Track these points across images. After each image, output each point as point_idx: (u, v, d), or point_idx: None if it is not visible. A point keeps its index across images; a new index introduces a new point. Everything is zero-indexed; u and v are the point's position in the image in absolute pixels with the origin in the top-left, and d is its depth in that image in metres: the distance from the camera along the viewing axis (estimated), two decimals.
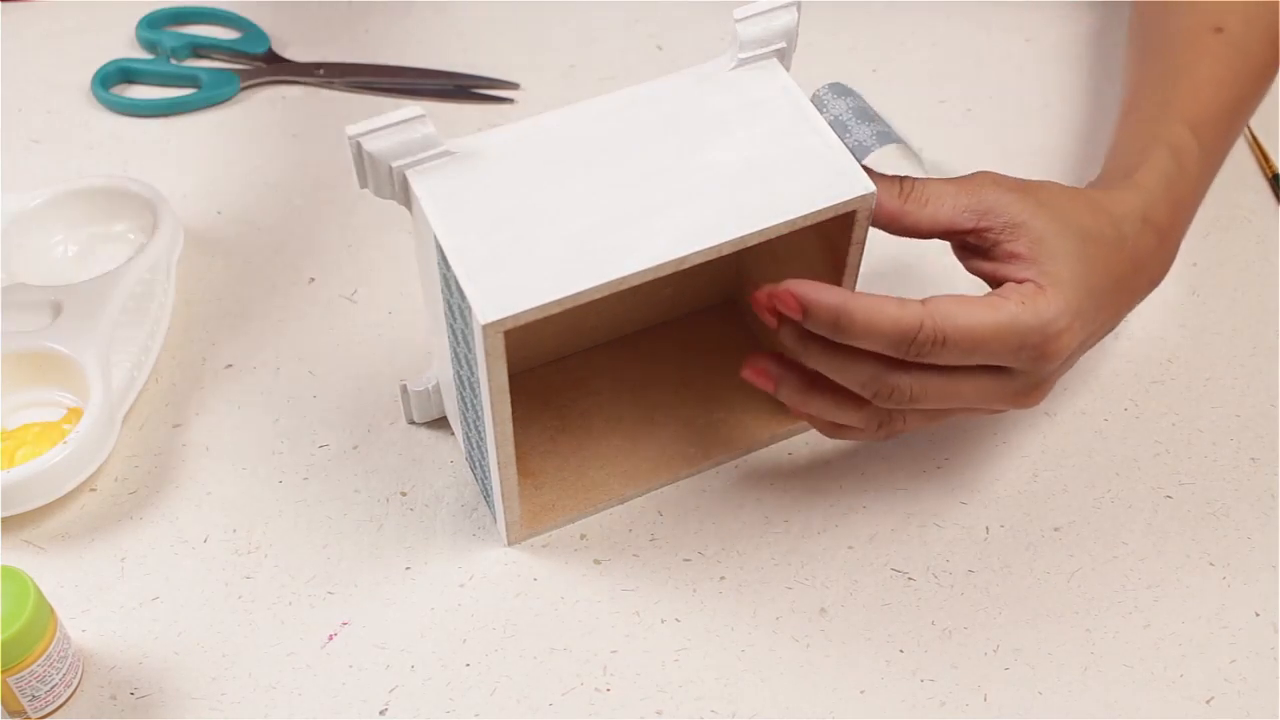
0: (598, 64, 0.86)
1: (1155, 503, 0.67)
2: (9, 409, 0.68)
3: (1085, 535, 0.65)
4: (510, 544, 0.65)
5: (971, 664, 0.61)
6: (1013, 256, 0.58)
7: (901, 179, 0.58)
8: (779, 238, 0.56)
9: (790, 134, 0.58)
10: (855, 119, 0.58)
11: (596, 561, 0.64)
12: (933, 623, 0.62)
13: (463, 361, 0.58)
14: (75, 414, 0.67)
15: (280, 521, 0.65)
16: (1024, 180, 0.60)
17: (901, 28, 0.88)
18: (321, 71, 0.85)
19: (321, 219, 0.78)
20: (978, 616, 0.63)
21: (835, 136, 0.58)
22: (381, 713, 0.60)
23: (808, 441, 0.68)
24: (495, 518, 0.65)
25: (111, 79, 0.83)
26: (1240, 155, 0.81)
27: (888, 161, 0.72)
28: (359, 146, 0.55)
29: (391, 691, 0.60)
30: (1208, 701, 0.60)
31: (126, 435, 0.68)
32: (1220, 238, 0.77)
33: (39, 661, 0.57)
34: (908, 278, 0.73)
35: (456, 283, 0.54)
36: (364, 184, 0.57)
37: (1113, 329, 0.63)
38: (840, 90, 0.59)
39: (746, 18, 0.59)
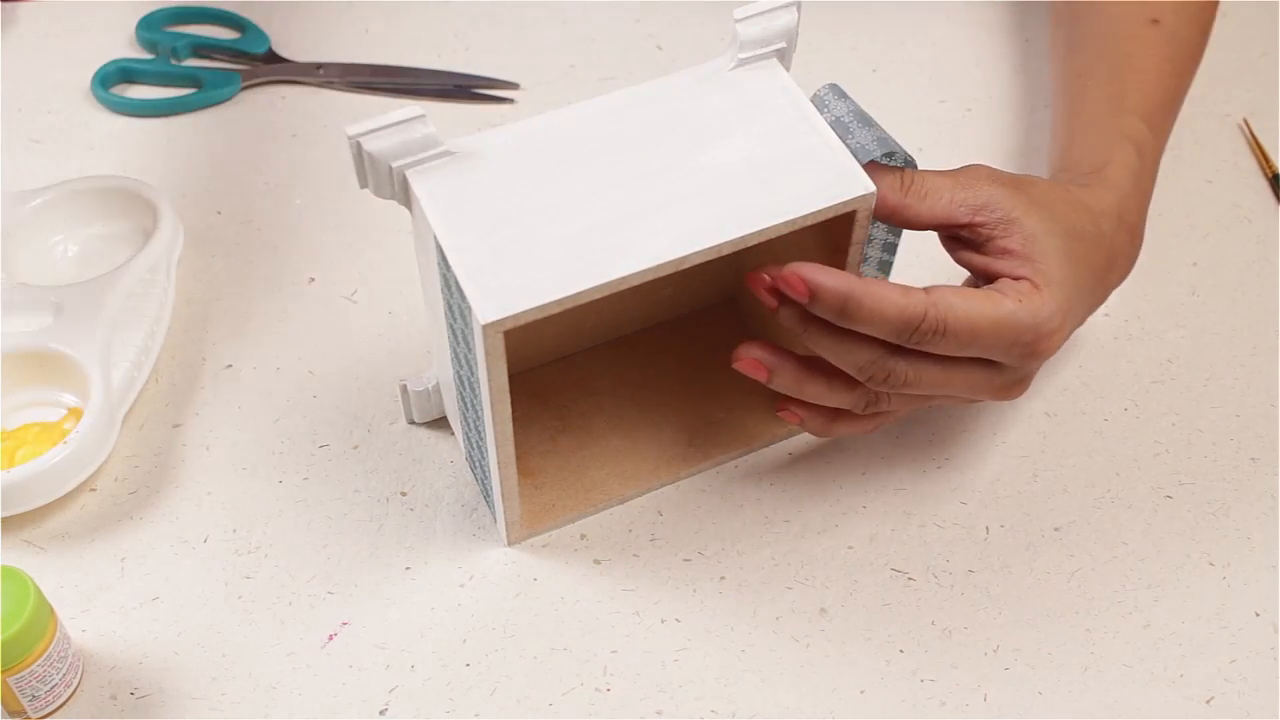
0: (598, 64, 0.86)
1: (1155, 503, 0.67)
2: (9, 409, 0.68)
3: (1085, 535, 0.65)
4: (510, 544, 0.65)
5: (971, 664, 0.61)
6: (1005, 252, 0.58)
7: (902, 172, 0.58)
8: (779, 238, 0.56)
9: (790, 134, 0.58)
10: (856, 122, 0.58)
11: (596, 561, 0.64)
12: (933, 623, 0.63)
13: (463, 361, 0.58)
14: (75, 414, 0.67)
15: (280, 521, 0.65)
16: (1016, 176, 0.61)
17: (901, 28, 0.88)
18: (321, 71, 0.85)
19: (321, 219, 0.78)
20: (978, 616, 0.63)
21: (835, 136, 0.58)
22: (381, 713, 0.60)
23: (808, 442, 0.68)
24: (495, 518, 0.65)
25: (111, 79, 0.83)
26: (1240, 155, 0.81)
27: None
28: (359, 146, 0.55)
29: (391, 691, 0.60)
30: (1208, 701, 0.60)
31: (126, 435, 0.68)
32: (1220, 238, 0.77)
33: (39, 661, 0.57)
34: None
35: (456, 283, 0.54)
36: (364, 184, 0.57)
37: (1084, 323, 0.63)
38: (840, 92, 0.59)
39: (746, 18, 0.59)
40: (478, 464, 0.64)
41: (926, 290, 0.56)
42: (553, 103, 0.83)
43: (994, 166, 0.61)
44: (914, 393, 0.59)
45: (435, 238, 0.55)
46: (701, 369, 0.70)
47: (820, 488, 0.67)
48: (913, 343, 0.56)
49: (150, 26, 0.86)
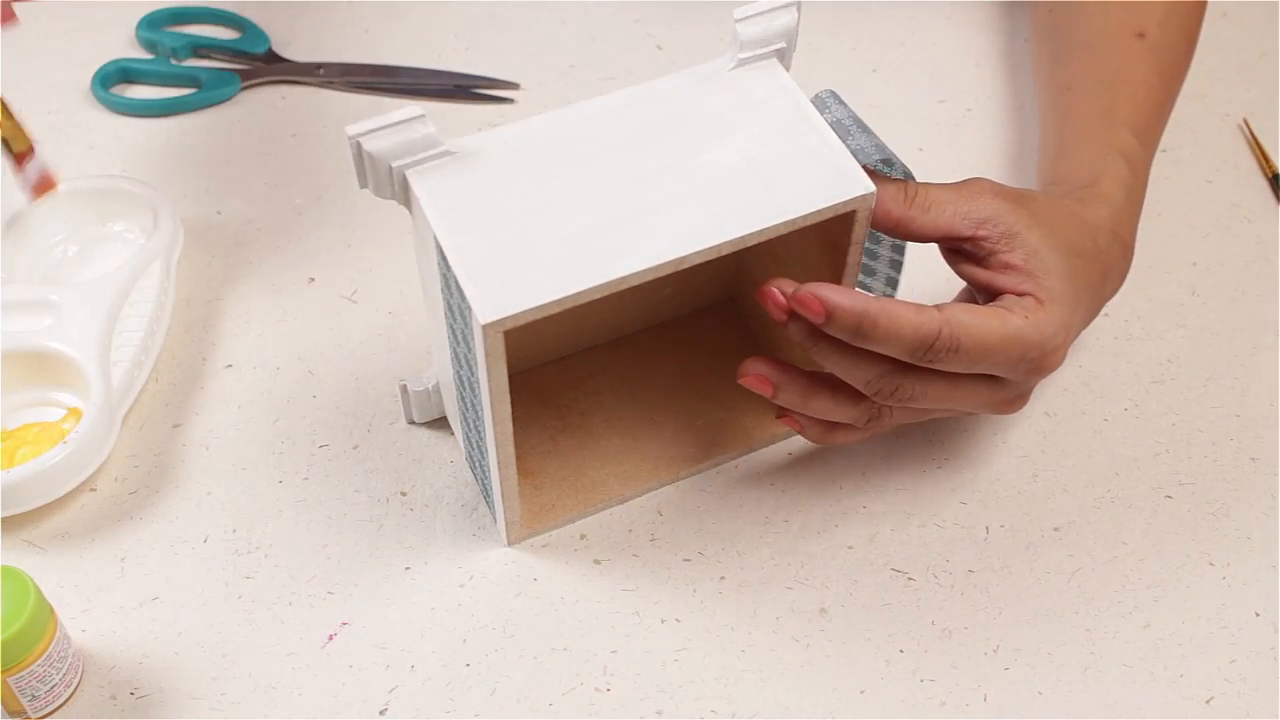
0: (598, 64, 0.86)
1: (1155, 503, 0.67)
2: (9, 409, 0.68)
3: (1085, 535, 0.65)
4: (510, 544, 0.65)
5: (971, 664, 0.61)
6: (1008, 267, 0.59)
7: (905, 183, 0.58)
8: (779, 238, 0.56)
9: (790, 134, 0.58)
10: (856, 127, 0.58)
11: (596, 561, 0.64)
12: (933, 623, 0.63)
13: (463, 361, 0.58)
14: (75, 414, 0.67)
15: (280, 521, 0.65)
16: (1017, 190, 0.61)
17: (901, 28, 0.88)
18: (321, 71, 0.85)
19: (321, 219, 0.78)
20: (978, 616, 0.63)
21: (835, 137, 0.58)
22: (381, 713, 0.60)
23: (808, 442, 0.68)
24: (495, 518, 0.65)
25: (111, 79, 0.83)
26: (1240, 155, 0.81)
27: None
28: (359, 146, 0.55)
29: (391, 691, 0.60)
30: (1208, 701, 0.60)
31: (126, 435, 0.68)
32: (1220, 238, 0.77)
33: (39, 661, 0.57)
34: None
35: (456, 283, 0.54)
36: (364, 184, 0.57)
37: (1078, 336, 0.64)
38: (839, 99, 0.59)
39: (746, 18, 0.59)
40: (478, 464, 0.64)
41: (939, 309, 0.56)
42: (553, 103, 0.83)
43: (995, 168, 0.61)
44: (918, 406, 0.59)
45: (435, 238, 0.55)
46: (701, 369, 0.70)
47: (820, 488, 0.67)
48: (925, 361, 0.56)
49: (150, 26, 0.86)
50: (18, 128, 0.70)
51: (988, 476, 0.67)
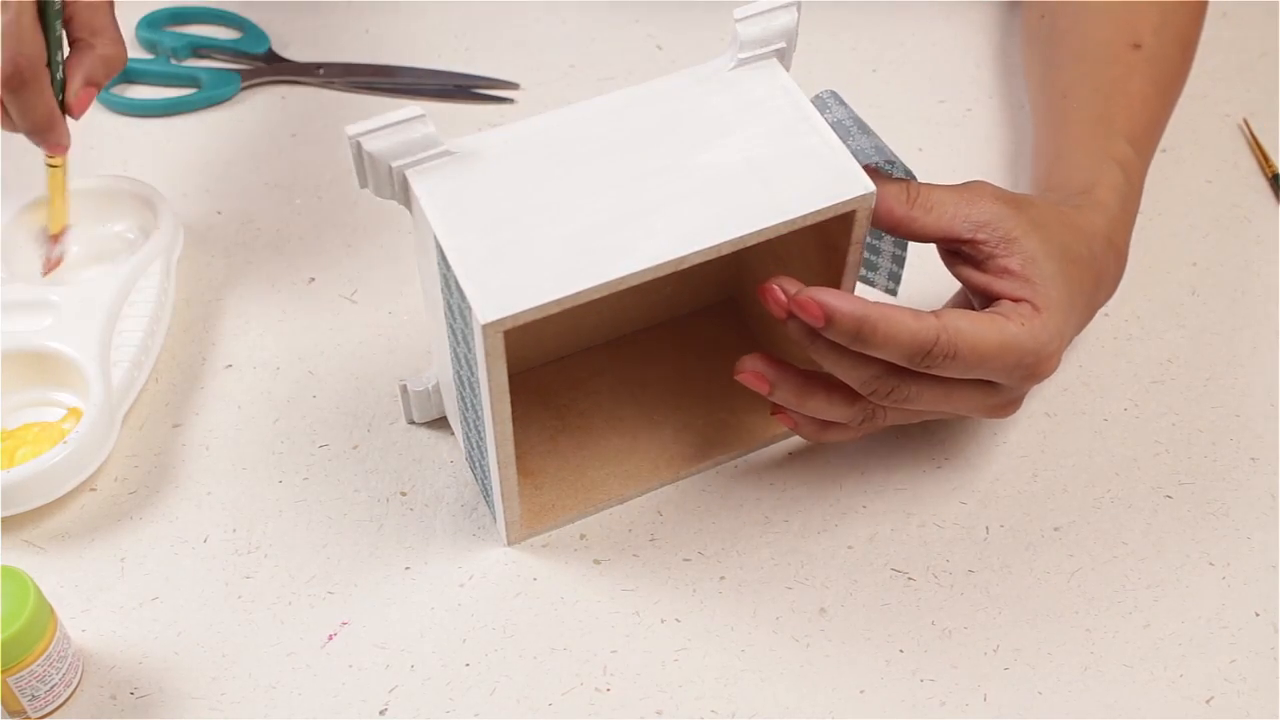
0: (598, 64, 0.86)
1: (1155, 503, 0.67)
2: (9, 409, 0.68)
3: (1085, 535, 0.65)
4: (510, 544, 0.65)
5: (971, 664, 0.61)
6: (1005, 272, 0.59)
7: (908, 183, 0.58)
8: (779, 238, 0.56)
9: (790, 134, 0.58)
10: (857, 128, 0.58)
11: (596, 561, 0.64)
12: (933, 623, 0.62)
13: (463, 361, 0.58)
14: (75, 414, 0.67)
15: (280, 521, 0.65)
16: (1017, 195, 0.61)
17: (901, 28, 0.88)
18: (321, 71, 0.85)
19: (321, 219, 0.78)
20: (978, 616, 0.63)
21: (835, 137, 0.58)
22: (381, 713, 0.60)
23: (807, 442, 0.68)
24: (495, 518, 0.65)
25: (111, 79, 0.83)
26: (1240, 155, 0.81)
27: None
28: (359, 146, 0.55)
29: (391, 691, 0.60)
30: (1208, 701, 0.60)
31: (126, 435, 0.68)
32: (1220, 238, 0.77)
33: (39, 661, 0.57)
34: None
35: (456, 283, 0.54)
36: (364, 184, 0.57)
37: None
38: (840, 100, 0.59)
39: (746, 18, 0.59)
40: (478, 464, 0.64)
41: (936, 314, 0.56)
42: (553, 103, 0.83)
43: (994, 169, 0.61)
44: (912, 408, 0.60)
45: (435, 238, 0.55)
46: (701, 369, 0.70)
47: (820, 488, 0.67)
48: (923, 366, 0.57)
49: (150, 26, 0.86)
50: (63, 209, 0.72)
51: (988, 476, 0.67)
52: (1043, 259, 0.59)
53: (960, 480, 0.67)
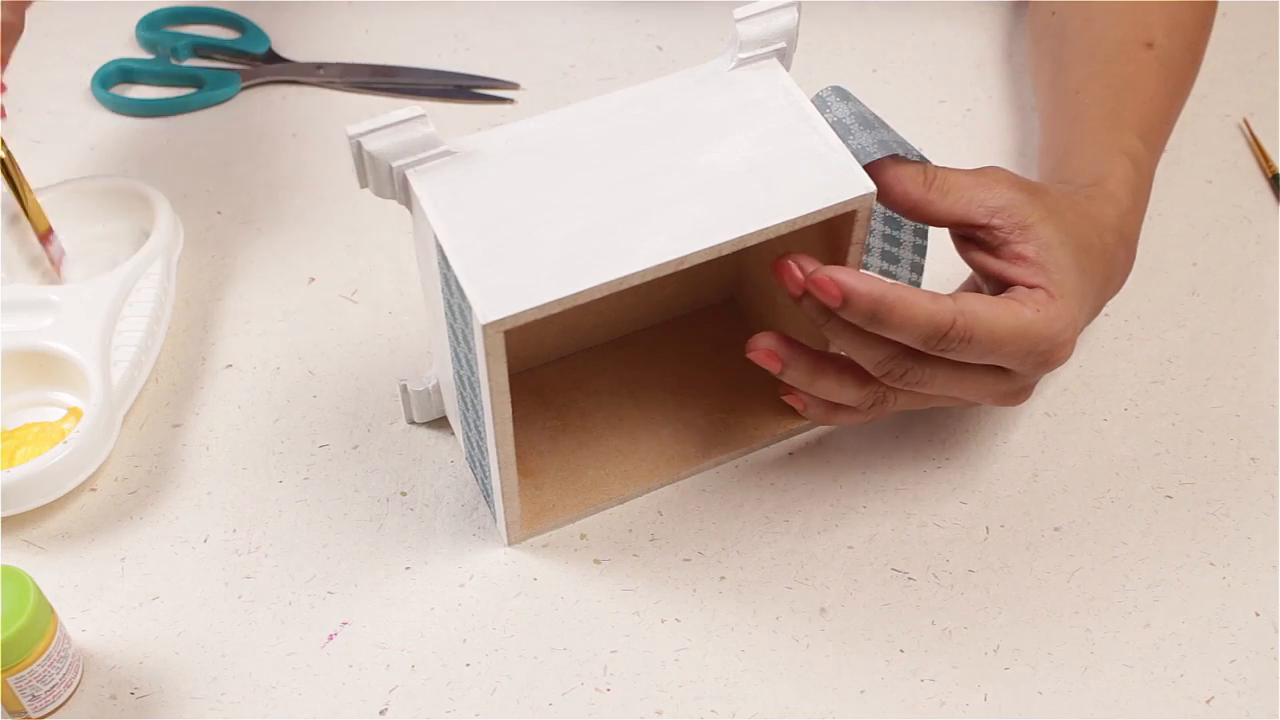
0: (598, 64, 0.86)
1: (1155, 503, 0.67)
2: (9, 409, 0.68)
3: (1085, 535, 0.65)
4: (510, 544, 0.65)
5: (971, 664, 0.61)
6: (1020, 259, 0.59)
7: (925, 166, 0.58)
8: (779, 237, 0.56)
9: (790, 134, 0.58)
10: (858, 124, 0.58)
11: (596, 561, 0.64)
12: (933, 623, 0.63)
13: (463, 361, 0.58)
14: (75, 414, 0.67)
15: (280, 521, 0.65)
16: (1032, 182, 0.61)
17: (901, 28, 0.88)
18: (321, 71, 0.85)
19: (321, 219, 0.78)
20: (978, 616, 0.63)
21: (835, 136, 0.58)
22: (381, 713, 0.60)
23: (808, 442, 0.68)
24: (495, 518, 0.65)
25: (111, 79, 0.83)
26: (1240, 155, 0.81)
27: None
28: (359, 146, 0.55)
29: (391, 691, 0.60)
30: (1208, 701, 0.60)
31: (126, 435, 0.68)
32: (1220, 238, 0.77)
33: (39, 661, 0.57)
34: None
35: (456, 282, 0.54)
36: (364, 184, 0.57)
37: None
38: (843, 94, 0.59)
39: (746, 18, 0.59)
40: (478, 464, 0.64)
41: (953, 298, 0.56)
42: (553, 103, 0.83)
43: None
44: (924, 392, 0.59)
45: (435, 238, 0.55)
46: (701, 369, 0.70)
47: (820, 488, 0.67)
48: (938, 350, 0.56)
49: (150, 26, 0.86)
50: (38, 209, 0.71)
51: (988, 476, 0.67)
52: (1057, 246, 0.59)
53: (960, 480, 0.67)
